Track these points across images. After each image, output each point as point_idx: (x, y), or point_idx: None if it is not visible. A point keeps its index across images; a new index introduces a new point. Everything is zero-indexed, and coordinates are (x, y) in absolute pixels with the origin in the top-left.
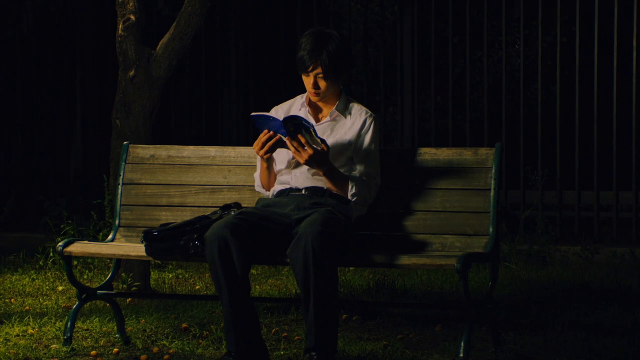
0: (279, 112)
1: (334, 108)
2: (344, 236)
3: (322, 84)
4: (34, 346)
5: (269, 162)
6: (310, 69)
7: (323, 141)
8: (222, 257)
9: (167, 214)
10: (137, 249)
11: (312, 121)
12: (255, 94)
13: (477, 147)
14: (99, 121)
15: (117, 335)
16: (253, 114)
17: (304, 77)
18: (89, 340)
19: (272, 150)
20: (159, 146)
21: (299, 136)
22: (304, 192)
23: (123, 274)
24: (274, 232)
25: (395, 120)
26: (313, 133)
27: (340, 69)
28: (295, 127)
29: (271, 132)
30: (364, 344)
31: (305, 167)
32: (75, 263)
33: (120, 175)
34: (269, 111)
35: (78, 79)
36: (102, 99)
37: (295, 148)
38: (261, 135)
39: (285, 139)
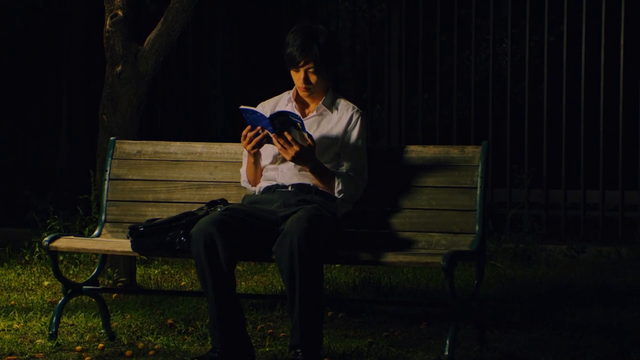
0: (265, 108)
1: (321, 102)
2: (329, 233)
3: (313, 78)
4: (19, 341)
5: (256, 157)
6: (302, 63)
7: (310, 136)
8: (208, 253)
9: (153, 209)
10: (122, 245)
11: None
12: (242, 89)
13: (464, 144)
14: (86, 116)
15: (102, 331)
16: (241, 107)
17: (293, 73)
18: (74, 335)
19: (259, 145)
20: (145, 142)
21: (285, 133)
22: (290, 188)
23: (109, 269)
24: (259, 228)
25: (382, 117)
26: (300, 127)
27: (330, 63)
28: (281, 123)
29: (258, 127)
30: (349, 341)
31: (292, 163)
32: (61, 258)
33: (106, 171)
34: (255, 106)
35: (65, 74)
36: (89, 94)
37: (281, 145)
38: (248, 130)
39: (271, 135)
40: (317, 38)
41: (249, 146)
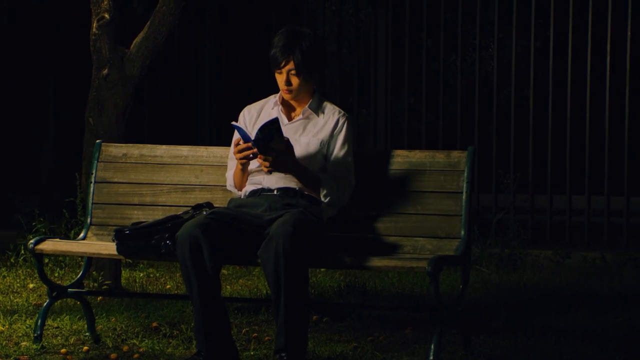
0: (251, 111)
1: (307, 106)
2: (315, 237)
3: (295, 81)
4: (4, 343)
5: (245, 165)
6: (282, 64)
7: (287, 140)
8: (193, 256)
9: (138, 212)
10: (108, 247)
11: (285, 119)
12: (228, 93)
13: (450, 149)
14: (72, 119)
15: (87, 334)
16: (232, 123)
17: (276, 75)
18: (59, 337)
19: (248, 158)
20: (131, 145)
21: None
22: (275, 192)
23: (94, 272)
24: (245, 232)
25: (368, 122)
26: (276, 132)
27: (312, 66)
28: (265, 136)
29: (249, 144)
30: (334, 345)
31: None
32: (47, 260)
33: (92, 174)
34: (241, 110)
35: (51, 76)
36: (76, 97)
37: (263, 160)
38: (240, 140)
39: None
40: (299, 40)
41: (238, 156)
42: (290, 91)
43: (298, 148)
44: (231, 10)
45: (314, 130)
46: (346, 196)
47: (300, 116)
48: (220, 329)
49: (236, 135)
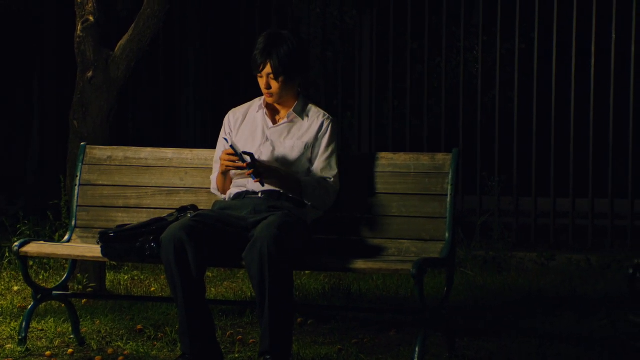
0: (236, 114)
1: (291, 110)
2: (299, 240)
3: (274, 85)
4: None
5: (227, 171)
6: (261, 68)
7: (251, 155)
8: (178, 258)
9: (123, 215)
10: (92, 250)
11: (269, 123)
12: (213, 96)
13: (434, 152)
14: (57, 121)
15: (71, 336)
16: (224, 137)
17: (258, 78)
18: (44, 340)
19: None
20: (115, 147)
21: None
22: (260, 195)
23: (78, 275)
24: (229, 234)
25: (352, 125)
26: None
27: (291, 70)
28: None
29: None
30: (319, 348)
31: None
32: (31, 263)
33: (76, 176)
34: (226, 113)
35: (36, 78)
36: (60, 99)
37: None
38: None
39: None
40: (278, 45)
41: (226, 164)
42: (271, 94)
43: (282, 151)
44: (215, 12)
45: (298, 134)
46: (330, 200)
47: (285, 119)
48: (205, 331)
49: (221, 140)
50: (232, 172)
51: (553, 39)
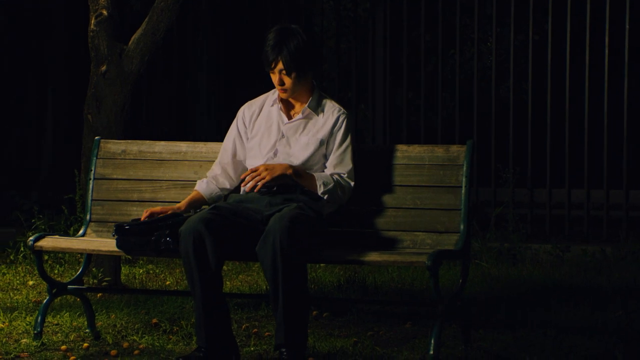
0: (252, 107)
1: (306, 105)
2: (313, 232)
3: (287, 80)
4: (4, 340)
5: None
6: (272, 65)
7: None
8: (197, 251)
9: (138, 209)
10: (107, 244)
11: (284, 118)
12: (226, 89)
13: (449, 144)
14: (71, 116)
15: (87, 330)
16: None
17: (271, 74)
18: (59, 334)
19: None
20: (130, 141)
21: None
22: (275, 188)
23: (93, 269)
24: (245, 227)
25: (366, 117)
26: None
27: (302, 65)
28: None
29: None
30: (334, 340)
31: (278, 163)
32: (46, 257)
33: (91, 170)
34: (240, 105)
35: (50, 73)
36: (74, 93)
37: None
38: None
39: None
40: (288, 40)
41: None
42: (284, 90)
43: (297, 147)
44: (229, 5)
45: (313, 130)
46: (346, 196)
47: (300, 115)
48: (221, 324)
49: (233, 131)
50: (254, 163)
51: (567, 30)
